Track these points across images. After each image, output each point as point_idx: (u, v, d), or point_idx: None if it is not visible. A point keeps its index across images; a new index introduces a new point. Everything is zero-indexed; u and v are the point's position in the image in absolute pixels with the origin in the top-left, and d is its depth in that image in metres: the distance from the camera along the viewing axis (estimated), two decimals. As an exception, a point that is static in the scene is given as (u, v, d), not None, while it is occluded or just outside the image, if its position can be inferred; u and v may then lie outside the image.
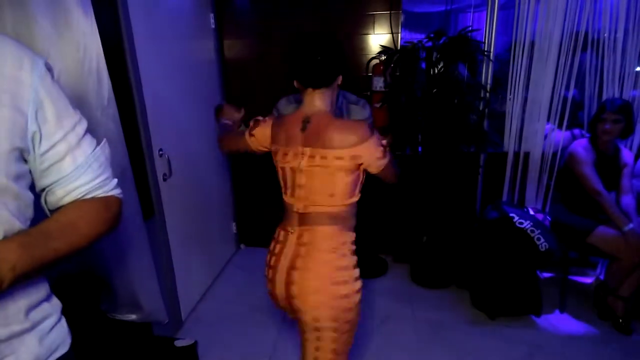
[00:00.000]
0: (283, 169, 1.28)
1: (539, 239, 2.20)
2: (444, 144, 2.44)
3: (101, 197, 0.72)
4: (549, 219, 2.47)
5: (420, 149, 2.58)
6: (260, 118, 1.38)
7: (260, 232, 3.21)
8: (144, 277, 1.78)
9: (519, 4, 2.46)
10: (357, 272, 1.26)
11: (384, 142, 1.24)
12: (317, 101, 1.23)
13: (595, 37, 2.45)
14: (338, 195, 1.22)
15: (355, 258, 1.27)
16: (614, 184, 2.29)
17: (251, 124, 1.38)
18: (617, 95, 2.47)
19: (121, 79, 1.73)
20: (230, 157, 2.97)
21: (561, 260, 2.34)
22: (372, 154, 1.20)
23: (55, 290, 1.74)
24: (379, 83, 2.53)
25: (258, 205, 3.14)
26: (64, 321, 0.76)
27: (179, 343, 1.94)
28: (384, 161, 1.23)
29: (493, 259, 2.30)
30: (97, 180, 0.71)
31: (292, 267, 1.24)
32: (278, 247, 1.30)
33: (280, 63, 2.70)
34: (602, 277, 2.53)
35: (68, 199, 0.69)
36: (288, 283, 1.25)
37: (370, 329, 2.24)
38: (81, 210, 0.69)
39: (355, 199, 1.27)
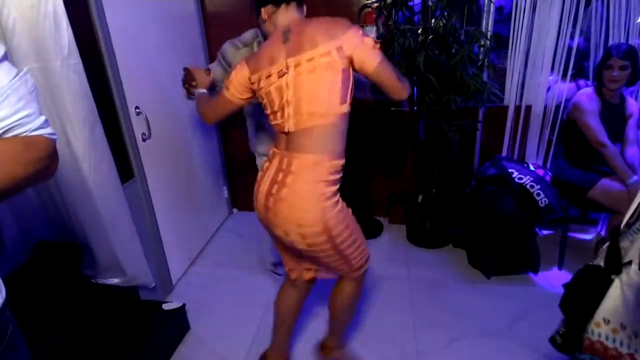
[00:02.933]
0: (268, 93, 1.23)
1: (539, 195, 2.12)
2: (441, 98, 2.30)
3: (24, 137, 0.62)
4: (550, 174, 2.37)
5: (415, 103, 2.44)
6: (211, 67, 1.51)
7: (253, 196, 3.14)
8: (124, 240, 1.72)
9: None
10: (336, 198, 1.26)
11: (373, 37, 1.25)
12: (292, 14, 1.27)
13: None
14: (327, 101, 1.17)
15: (335, 187, 1.26)
16: (619, 135, 2.18)
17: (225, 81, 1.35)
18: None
19: (85, 29, 1.59)
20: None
21: (562, 216, 2.26)
22: (359, 43, 1.15)
23: (36, 257, 1.68)
24: (371, 33, 2.36)
25: (250, 169, 3.02)
26: None
27: (167, 306, 1.90)
28: (377, 53, 1.18)
29: (491, 216, 2.22)
30: (17, 116, 0.61)
31: (269, 193, 1.25)
32: (260, 173, 1.32)
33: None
34: (603, 233, 2.46)
35: None
36: (266, 207, 1.28)
37: (365, 290, 2.19)
38: None
39: (346, 108, 1.21)
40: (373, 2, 2.29)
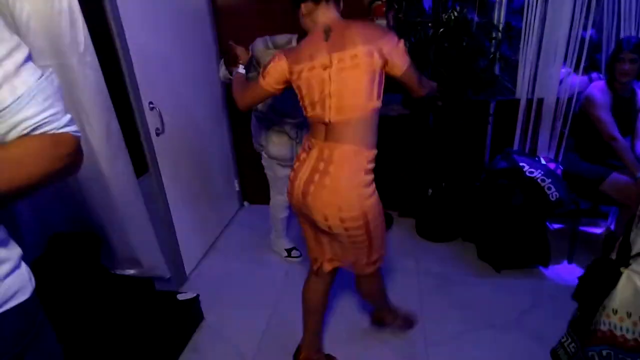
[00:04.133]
0: (310, 85, 1.29)
1: (549, 188, 2.10)
2: (452, 91, 2.29)
3: (52, 134, 0.65)
4: (561, 168, 2.36)
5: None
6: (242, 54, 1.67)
7: (264, 189, 3.15)
8: (140, 232, 1.76)
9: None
10: (373, 187, 1.36)
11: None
12: (331, 12, 1.30)
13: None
14: (365, 96, 1.27)
15: (372, 177, 1.35)
16: (630, 128, 2.17)
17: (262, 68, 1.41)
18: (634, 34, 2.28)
19: (100, 26, 1.62)
20: (230, 112, 2.87)
21: (572, 210, 2.25)
22: (394, 48, 1.27)
23: (53, 248, 1.73)
24: (381, 27, 2.36)
25: (261, 164, 3.07)
26: (24, 268, 0.72)
27: (181, 297, 1.95)
28: (407, 59, 1.30)
29: (501, 210, 2.22)
30: (45, 115, 0.64)
31: (310, 181, 1.33)
32: (297, 163, 1.40)
33: (281, 5, 2.51)
34: (612, 227, 2.45)
35: (13, 135, 0.62)
36: (305, 193, 1.34)
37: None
38: (25, 147, 0.62)
39: (379, 104, 1.31)
40: (383, -5, 2.28)
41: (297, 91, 1.36)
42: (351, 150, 1.29)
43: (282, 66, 1.34)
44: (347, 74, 1.25)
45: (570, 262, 2.31)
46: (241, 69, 1.67)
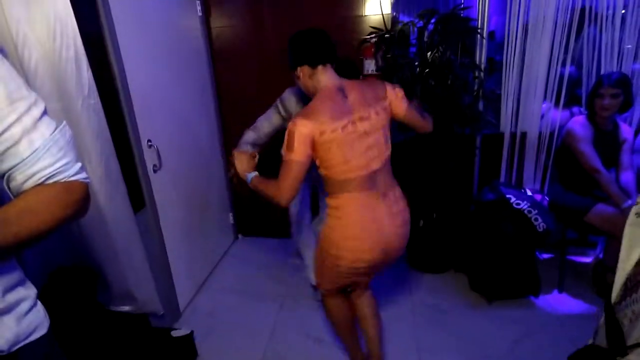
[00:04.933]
0: (343, 141, 1.33)
1: (536, 219, 2.17)
2: (439, 126, 2.39)
3: (64, 182, 0.70)
4: (547, 199, 2.43)
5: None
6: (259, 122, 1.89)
7: (258, 222, 3.20)
8: (136, 268, 1.78)
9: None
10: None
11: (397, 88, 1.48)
12: (331, 74, 1.39)
13: (593, 12, 2.37)
14: (388, 143, 1.45)
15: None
16: (614, 161, 2.25)
17: (282, 152, 1.32)
18: (615, 70, 2.41)
19: (103, 69, 1.70)
20: (225, 146, 2.94)
21: (560, 240, 2.31)
22: (395, 97, 1.45)
23: (52, 283, 1.73)
24: (370, 66, 2.48)
25: (255, 194, 3.11)
26: (40, 306, 0.79)
27: (175, 333, 1.94)
28: (405, 99, 1.47)
29: (490, 241, 2.27)
30: (58, 165, 0.69)
31: (395, 225, 1.47)
32: (367, 213, 1.42)
33: (275, 49, 2.65)
34: (601, 255, 2.50)
35: (29, 184, 0.67)
36: (394, 238, 1.48)
37: (367, 314, 2.23)
38: (40, 195, 0.67)
39: (390, 148, 1.49)
40: (372, 37, 2.41)
41: (320, 152, 1.33)
42: (398, 189, 1.52)
43: (310, 130, 1.28)
44: (375, 128, 1.38)
45: (560, 291, 2.35)
46: (253, 174, 1.51)
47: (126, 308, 1.82)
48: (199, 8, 2.56)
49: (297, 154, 1.28)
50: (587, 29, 2.39)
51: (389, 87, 1.45)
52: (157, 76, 2.11)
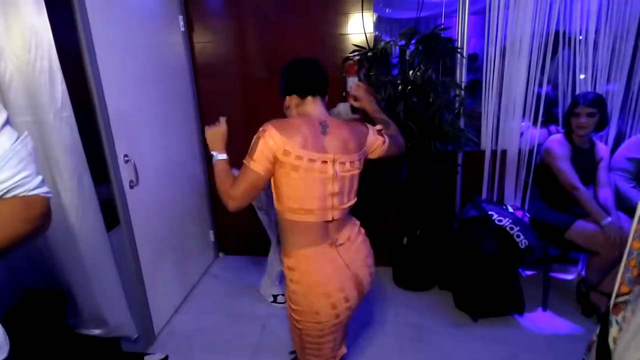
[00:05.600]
0: (303, 175, 1.20)
1: (518, 236, 2.17)
2: (421, 143, 2.41)
3: (23, 197, 0.65)
4: (528, 215, 2.45)
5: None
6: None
7: (240, 240, 3.13)
8: (108, 290, 1.69)
9: (490, 10, 2.45)
10: None
11: (378, 127, 1.42)
12: (319, 107, 1.32)
13: (567, 35, 2.46)
14: (354, 194, 1.36)
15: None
16: (591, 178, 2.29)
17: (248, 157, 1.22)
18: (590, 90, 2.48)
19: (79, 83, 1.65)
20: (207, 162, 2.89)
21: (542, 257, 2.32)
22: (374, 140, 1.39)
23: (23, 305, 1.64)
24: (353, 84, 2.49)
25: (237, 213, 3.05)
26: (0, 329, 0.72)
27: (149, 358, 1.85)
28: (387, 143, 1.42)
29: (474, 258, 2.26)
30: (17, 178, 0.64)
31: (360, 264, 1.38)
32: (326, 267, 1.30)
33: (259, 66, 2.65)
34: (583, 273, 2.52)
35: None
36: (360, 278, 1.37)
37: (352, 334, 2.18)
38: None
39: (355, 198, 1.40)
40: (355, 55, 2.43)
41: (278, 172, 1.21)
42: (355, 228, 1.42)
43: (279, 141, 1.16)
44: (347, 174, 1.28)
45: (544, 309, 2.34)
46: (222, 156, 1.35)
47: (97, 332, 1.72)
48: (181, 23, 2.55)
49: (255, 165, 1.18)
50: (561, 52, 2.47)
51: (370, 133, 1.38)
52: (137, 91, 2.07)
